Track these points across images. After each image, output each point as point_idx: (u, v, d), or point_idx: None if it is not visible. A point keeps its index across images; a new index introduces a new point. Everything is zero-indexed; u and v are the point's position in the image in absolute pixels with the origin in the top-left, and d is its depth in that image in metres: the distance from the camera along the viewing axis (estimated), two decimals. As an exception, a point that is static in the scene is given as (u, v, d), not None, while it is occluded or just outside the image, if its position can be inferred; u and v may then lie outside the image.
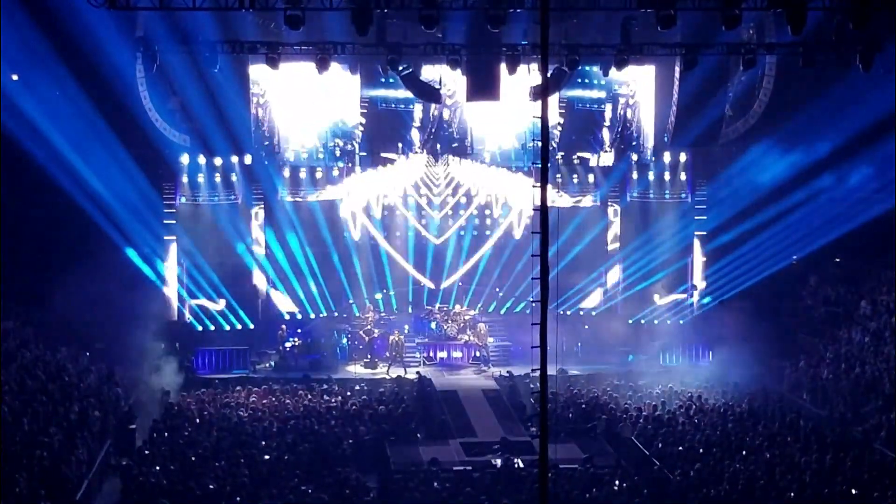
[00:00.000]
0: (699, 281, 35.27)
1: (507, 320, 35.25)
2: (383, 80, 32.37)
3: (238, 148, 32.82)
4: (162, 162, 32.36)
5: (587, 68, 32.36)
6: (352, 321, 34.58)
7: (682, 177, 35.25)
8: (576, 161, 35.07)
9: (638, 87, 33.95)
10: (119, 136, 29.87)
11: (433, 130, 34.03)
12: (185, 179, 33.20)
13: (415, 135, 34.23)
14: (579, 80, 33.12)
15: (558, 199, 34.21)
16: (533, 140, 32.46)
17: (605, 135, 34.59)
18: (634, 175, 35.40)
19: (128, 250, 31.67)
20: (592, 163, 35.26)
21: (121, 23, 26.62)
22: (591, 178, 35.53)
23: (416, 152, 34.51)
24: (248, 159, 33.19)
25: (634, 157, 34.83)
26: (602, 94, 34.12)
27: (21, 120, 27.38)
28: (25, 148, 27.89)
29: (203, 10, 23.34)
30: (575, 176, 35.39)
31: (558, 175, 34.51)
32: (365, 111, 33.40)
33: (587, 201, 35.60)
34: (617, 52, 27.78)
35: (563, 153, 34.55)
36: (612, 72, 30.29)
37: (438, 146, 34.33)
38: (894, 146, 28.46)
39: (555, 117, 33.29)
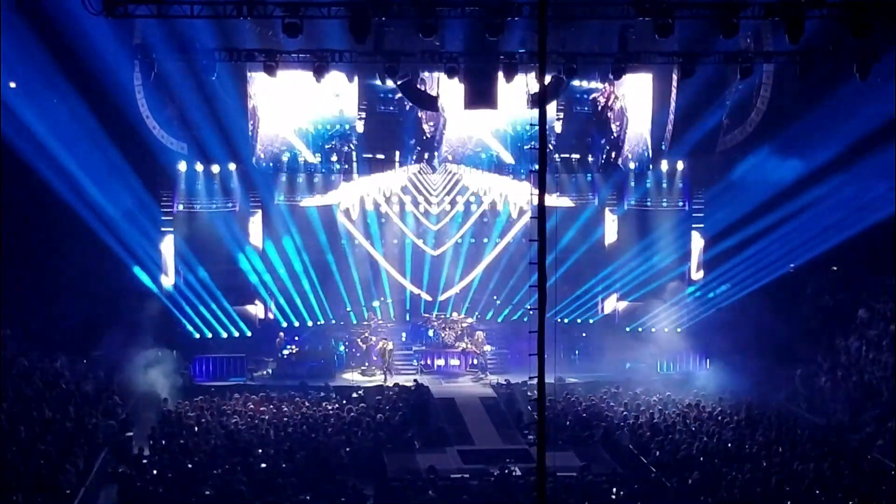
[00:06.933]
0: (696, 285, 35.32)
1: (505, 328, 35.21)
2: (380, 87, 32.36)
3: (235, 155, 32.81)
4: (159, 169, 32.28)
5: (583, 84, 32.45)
6: (349, 329, 34.53)
7: (680, 185, 35.26)
8: (574, 158, 34.91)
9: (635, 96, 33.95)
10: (116, 144, 29.81)
11: (429, 138, 33.98)
12: (182, 187, 33.18)
13: (411, 142, 34.21)
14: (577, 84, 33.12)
15: (556, 201, 34.04)
16: (530, 144, 32.51)
17: (602, 140, 34.56)
18: (632, 183, 35.41)
19: (125, 257, 31.62)
20: (590, 168, 35.24)
21: (119, 30, 26.57)
22: (587, 177, 35.49)
23: (413, 160, 34.50)
24: (245, 166, 33.18)
25: (632, 164, 34.82)
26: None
27: (18, 127, 27.34)
28: (22, 155, 27.81)
29: (201, 18, 23.36)
30: (573, 179, 35.37)
31: (556, 175, 34.37)
32: (362, 118, 33.37)
33: (584, 203, 35.55)
34: (614, 61, 27.80)
35: (559, 157, 34.47)
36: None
37: (435, 153, 34.31)
38: (894, 154, 28.48)
39: (552, 122, 33.23)
